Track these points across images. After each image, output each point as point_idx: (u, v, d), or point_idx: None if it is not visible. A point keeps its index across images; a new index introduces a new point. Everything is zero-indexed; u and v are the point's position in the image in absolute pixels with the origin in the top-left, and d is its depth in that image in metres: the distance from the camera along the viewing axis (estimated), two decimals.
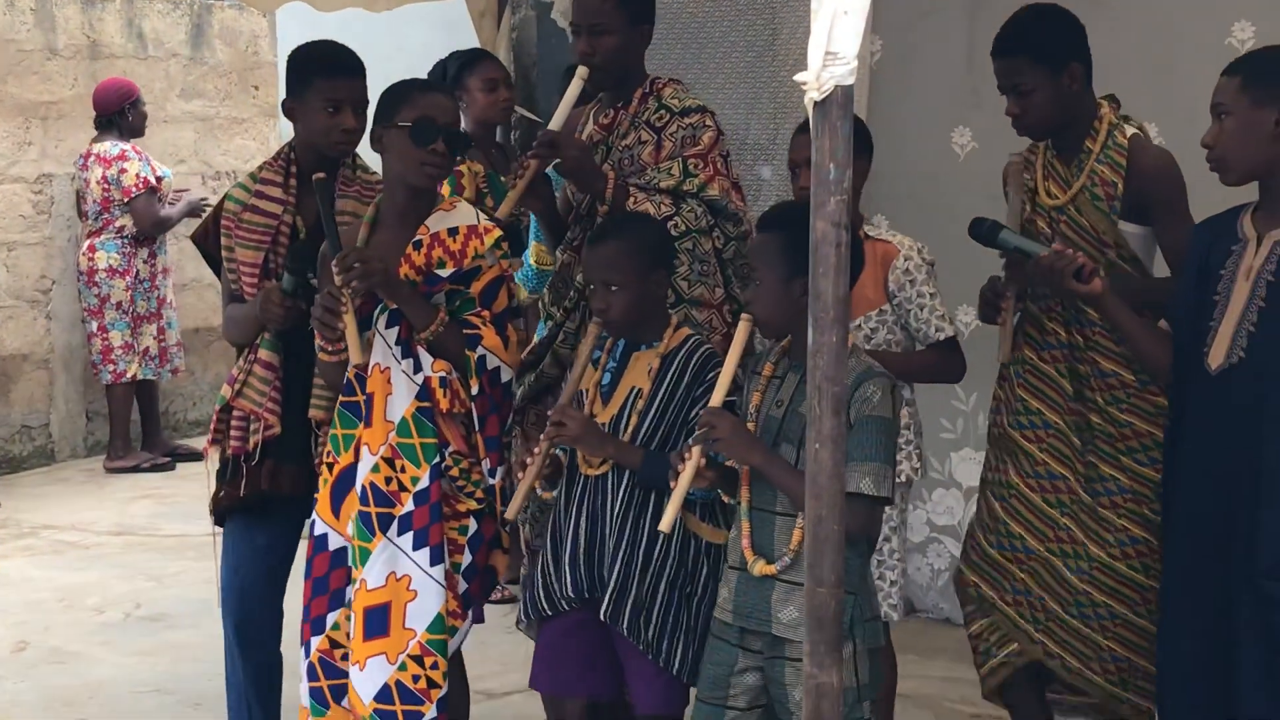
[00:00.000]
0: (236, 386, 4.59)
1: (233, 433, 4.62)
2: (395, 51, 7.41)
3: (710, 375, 4.02)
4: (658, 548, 4.04)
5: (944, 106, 6.34)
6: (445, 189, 5.99)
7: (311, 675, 4.33)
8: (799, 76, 2.56)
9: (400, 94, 4.27)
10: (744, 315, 3.77)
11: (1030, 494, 4.40)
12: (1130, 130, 4.35)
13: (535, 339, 4.79)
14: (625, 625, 4.01)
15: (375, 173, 4.63)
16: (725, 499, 3.84)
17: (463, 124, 4.76)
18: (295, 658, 4.45)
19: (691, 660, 4.01)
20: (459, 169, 6.03)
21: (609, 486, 4.10)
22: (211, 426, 4.69)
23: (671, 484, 3.68)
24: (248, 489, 4.59)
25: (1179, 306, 4.08)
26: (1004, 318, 4.35)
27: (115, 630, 6.66)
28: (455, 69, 6.53)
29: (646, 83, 4.80)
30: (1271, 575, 3.81)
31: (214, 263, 4.81)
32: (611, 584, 4.03)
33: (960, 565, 4.60)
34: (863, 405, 3.67)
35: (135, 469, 9.63)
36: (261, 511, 4.65)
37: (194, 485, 4.74)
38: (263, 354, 4.55)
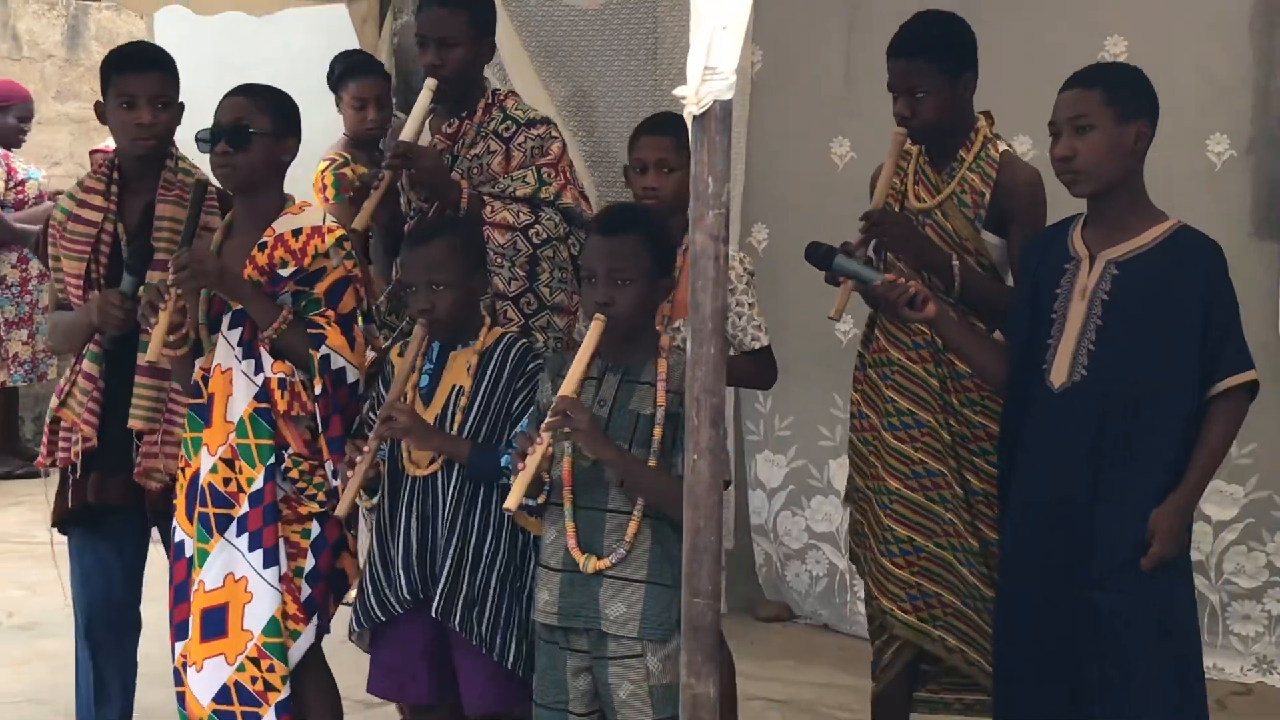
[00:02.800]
0: (61, 397, 4.55)
1: (60, 444, 4.59)
2: (277, 55, 7.33)
3: (530, 366, 4.10)
4: (488, 543, 4.08)
5: (823, 117, 6.40)
6: (329, 191, 6.01)
7: (177, 680, 4.32)
8: (678, 91, 2.58)
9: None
10: (598, 315, 3.78)
11: (911, 494, 4.47)
12: (1003, 146, 4.46)
13: None
14: (457, 620, 4.03)
15: (198, 172, 4.60)
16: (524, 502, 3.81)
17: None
18: (158, 668, 4.45)
19: (526, 655, 4.04)
20: (343, 171, 6.03)
21: (438, 486, 4.11)
22: (44, 439, 4.66)
23: (520, 465, 3.68)
24: (75, 500, 4.56)
25: (1014, 320, 4.15)
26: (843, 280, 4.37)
27: None
28: (337, 74, 6.49)
29: (489, 93, 4.89)
30: (1103, 587, 3.88)
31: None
32: (443, 580, 4.05)
33: (861, 575, 4.66)
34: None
35: (8, 475, 9.48)
36: (98, 522, 4.62)
37: None
38: (85, 365, 4.51)
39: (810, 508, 6.55)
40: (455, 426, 4.10)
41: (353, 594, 4.35)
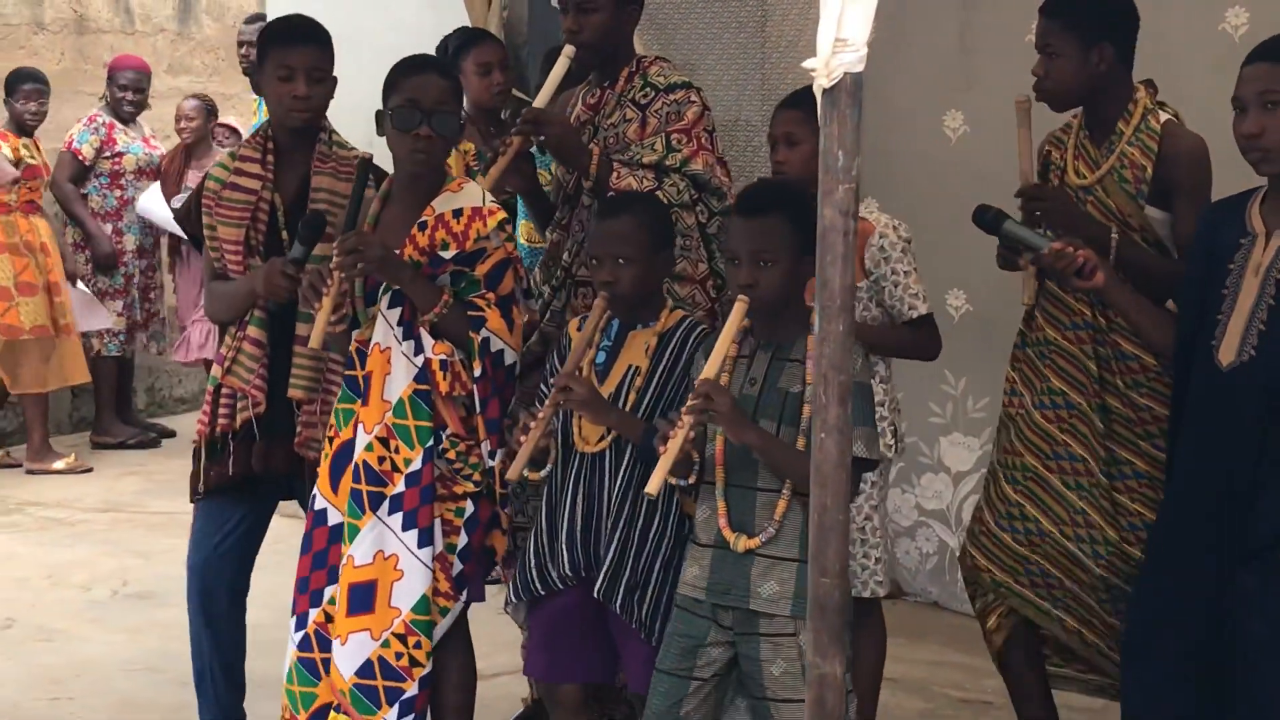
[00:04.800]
0: (226, 364, 4.59)
1: (221, 411, 4.61)
2: (385, 28, 7.35)
3: (706, 338, 4.06)
4: (654, 527, 4.06)
5: (936, 90, 6.34)
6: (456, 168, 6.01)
7: (305, 646, 4.34)
8: (808, 63, 2.55)
9: (392, 76, 4.27)
10: (741, 296, 3.77)
11: (1049, 475, 4.41)
12: (1165, 116, 4.36)
13: None
14: (619, 603, 4.03)
15: (353, 148, 4.63)
16: (672, 480, 3.82)
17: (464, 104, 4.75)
18: (268, 636, 4.44)
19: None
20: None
21: (607, 464, 4.11)
22: (204, 406, 4.69)
23: (660, 449, 3.68)
24: (237, 468, 4.59)
25: (1187, 289, 4.07)
26: (1024, 260, 4.33)
27: (103, 608, 6.64)
28: (453, 49, 6.50)
29: (633, 61, 4.80)
30: (1252, 567, 3.81)
31: (198, 242, 4.80)
32: (607, 562, 4.04)
33: (969, 550, 4.59)
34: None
35: (121, 445, 9.61)
36: (241, 490, 4.65)
37: (180, 462, 4.75)
38: (251, 331, 4.54)
39: (920, 485, 6.51)
40: (629, 406, 4.09)
41: (498, 570, 4.36)
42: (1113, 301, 4.18)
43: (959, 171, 6.07)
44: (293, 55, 4.53)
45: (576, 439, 4.14)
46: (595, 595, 4.05)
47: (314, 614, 4.32)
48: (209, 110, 9.51)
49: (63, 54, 10.01)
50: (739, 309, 3.75)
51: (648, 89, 4.73)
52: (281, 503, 4.94)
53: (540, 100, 4.65)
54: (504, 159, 4.57)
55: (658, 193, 4.55)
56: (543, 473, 4.17)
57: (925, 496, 6.51)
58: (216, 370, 4.63)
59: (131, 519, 8.08)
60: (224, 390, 4.60)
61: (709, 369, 3.72)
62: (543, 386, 4.23)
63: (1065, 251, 4.09)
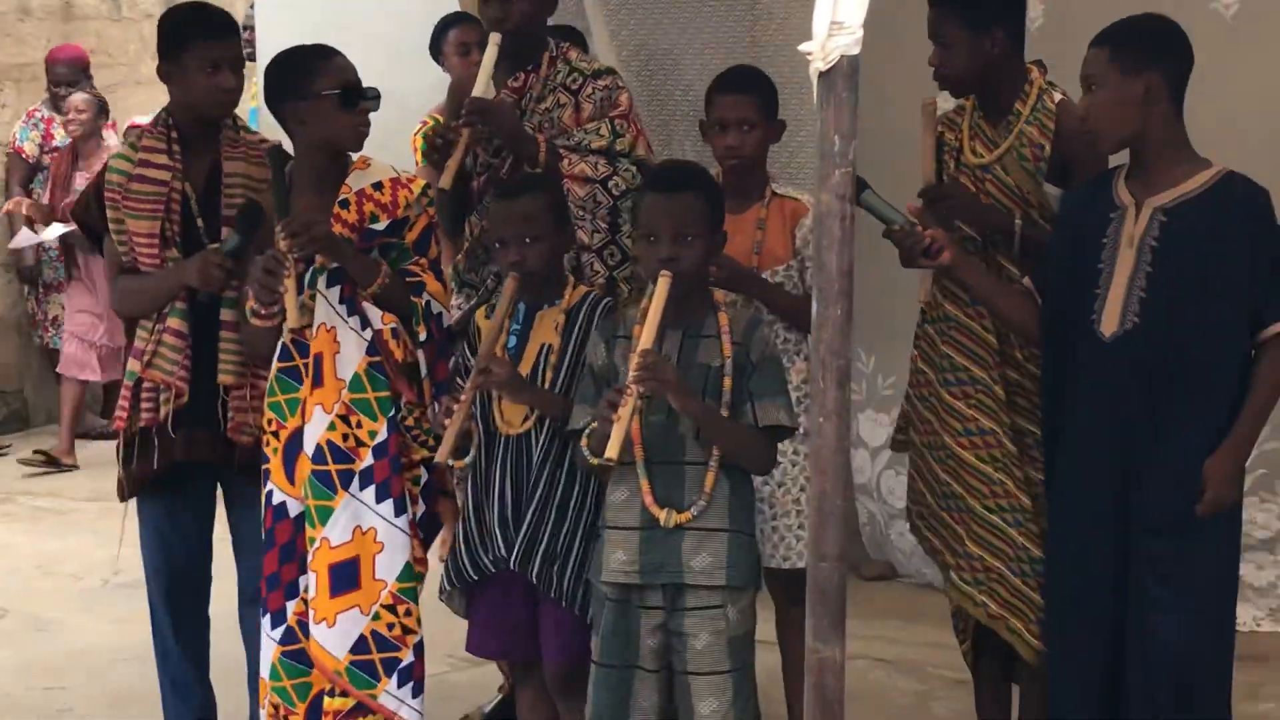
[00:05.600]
0: (145, 359, 4.54)
1: (143, 405, 4.58)
2: (374, 13, 7.32)
3: (600, 321, 4.13)
4: (573, 499, 4.12)
5: (928, 70, 6.30)
6: (418, 155, 6.00)
7: (289, 639, 4.35)
8: (803, 47, 2.54)
9: (303, 65, 4.34)
10: (664, 272, 3.81)
11: (963, 452, 4.47)
12: (1058, 95, 4.44)
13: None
14: (536, 573, 4.08)
15: (257, 133, 4.69)
16: (593, 460, 3.86)
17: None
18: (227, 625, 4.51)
19: (593, 611, 4.05)
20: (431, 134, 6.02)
21: (531, 444, 4.14)
22: (122, 402, 4.63)
23: (614, 417, 3.69)
24: (162, 460, 4.57)
25: (1051, 270, 4.16)
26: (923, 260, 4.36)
27: (95, 597, 6.64)
28: (435, 33, 6.48)
29: (553, 46, 4.86)
30: (1153, 532, 3.94)
31: (94, 236, 4.75)
32: (522, 533, 4.09)
33: (921, 529, 4.66)
34: (764, 347, 3.88)
35: (102, 435, 9.58)
36: (175, 483, 4.65)
37: None
38: (173, 322, 4.51)
39: None
40: (545, 384, 4.14)
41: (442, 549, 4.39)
42: (962, 280, 4.26)
43: None
44: (218, 47, 4.56)
45: (499, 423, 4.17)
46: (511, 567, 4.10)
47: (292, 606, 4.34)
48: (101, 107, 9.30)
49: (48, 41, 9.98)
50: (664, 284, 3.79)
51: (575, 74, 4.81)
52: None
53: (478, 89, 4.70)
54: (458, 150, 4.62)
55: (615, 178, 4.60)
56: (467, 459, 4.20)
57: None
58: (133, 364, 4.59)
59: (120, 507, 8.02)
60: (145, 384, 4.56)
61: (643, 342, 3.75)
62: (457, 379, 4.25)
63: (913, 231, 4.16)
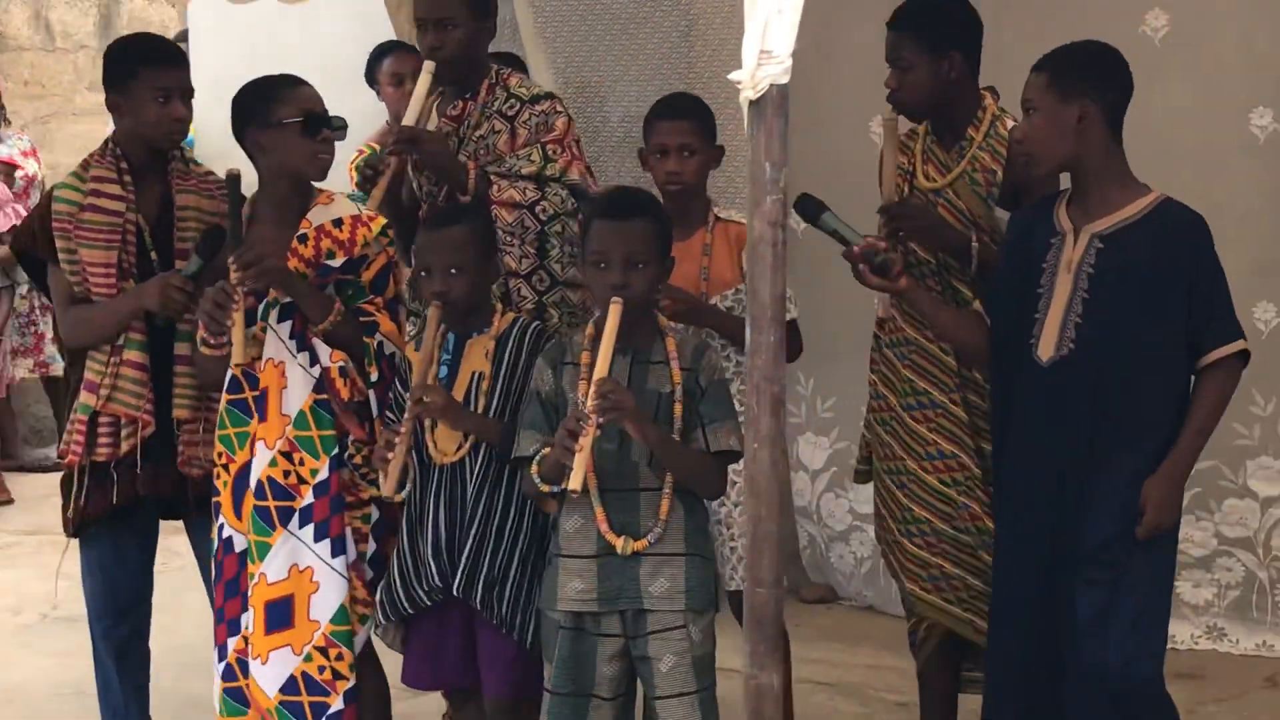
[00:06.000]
0: (103, 393, 4.50)
1: (100, 439, 4.53)
2: (309, 41, 7.31)
3: (547, 347, 4.11)
4: (509, 524, 4.10)
5: (862, 95, 6.34)
6: (352, 183, 6.00)
7: (229, 676, 4.33)
8: (733, 76, 2.56)
9: (268, 93, 4.33)
10: (614, 299, 3.79)
11: (926, 476, 4.49)
12: (1010, 122, 4.45)
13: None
14: (478, 599, 4.05)
15: (204, 166, 4.67)
16: (546, 488, 3.86)
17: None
18: (198, 657, 4.46)
19: (544, 640, 4.03)
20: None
21: (466, 471, 4.13)
22: (76, 436, 4.56)
23: (575, 447, 3.67)
24: (121, 496, 4.53)
25: (997, 294, 4.18)
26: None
27: (32, 632, 6.57)
28: (369, 61, 6.47)
29: (492, 73, 4.87)
30: (1091, 556, 3.94)
31: (36, 266, 4.69)
32: (463, 558, 4.07)
33: (888, 558, 4.65)
34: (711, 372, 3.89)
35: (38, 468, 9.49)
36: (122, 515, 4.61)
37: None
38: (131, 355, 4.49)
39: (853, 489, 6.51)
40: (480, 411, 4.12)
41: None
42: (914, 303, 4.27)
43: None
44: (168, 76, 4.55)
45: (432, 452, 4.15)
46: (454, 593, 4.07)
47: (233, 643, 4.32)
48: None
49: None
50: (615, 310, 3.78)
51: (512, 100, 4.81)
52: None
53: (409, 118, 4.70)
54: (384, 179, 4.62)
55: (543, 203, 4.61)
56: (403, 493, 4.17)
57: (859, 501, 6.53)
58: (87, 397, 4.52)
59: (58, 541, 7.94)
60: (102, 418, 4.52)
61: (599, 369, 3.74)
62: (388, 413, 4.24)
63: (877, 247, 4.14)
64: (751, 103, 2.58)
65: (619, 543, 3.82)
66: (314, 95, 4.34)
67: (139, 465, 4.51)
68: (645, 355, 3.91)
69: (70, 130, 10.18)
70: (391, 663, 4.43)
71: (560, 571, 3.91)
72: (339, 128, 4.33)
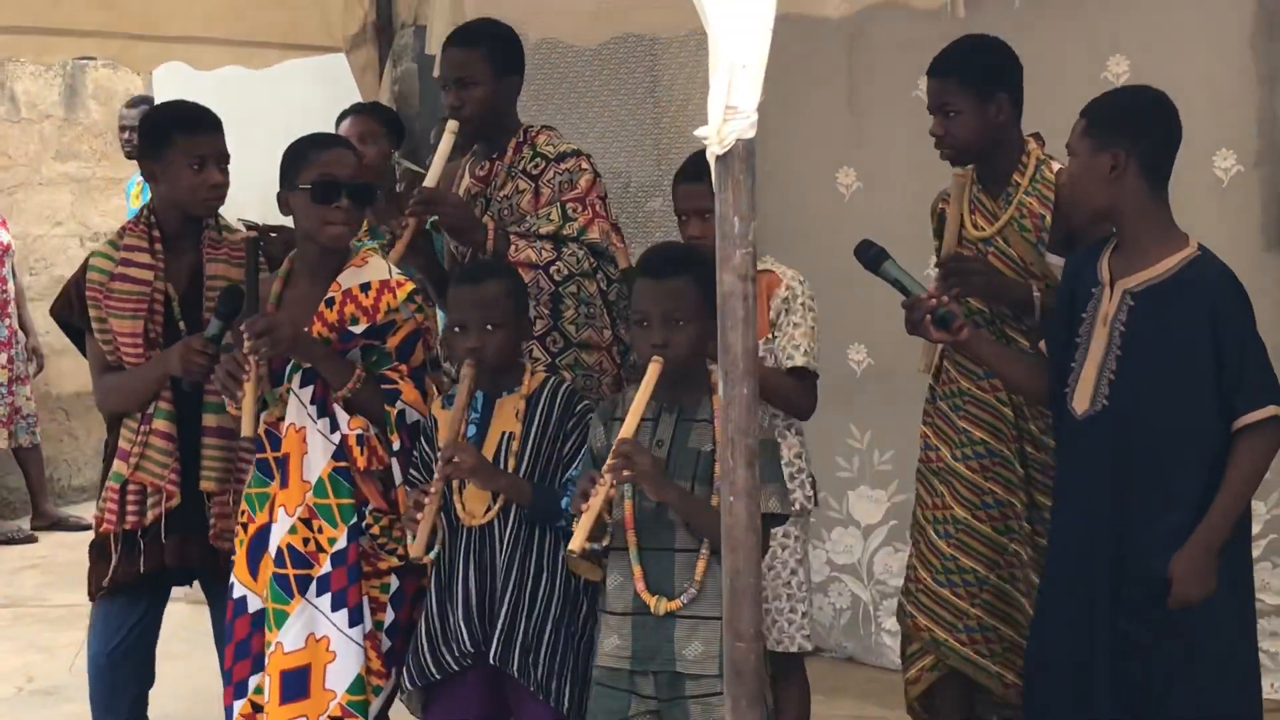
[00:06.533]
0: (133, 461, 4.50)
1: (130, 508, 4.53)
2: (276, 107, 7.31)
3: (579, 407, 4.10)
4: (543, 587, 4.05)
5: (828, 148, 6.39)
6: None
7: None
8: (699, 131, 2.57)
9: (299, 155, 4.28)
10: (655, 357, 3.76)
11: (979, 525, 4.46)
12: (1056, 166, 4.42)
13: None
14: (515, 666, 4.00)
15: (239, 232, 4.61)
16: (587, 546, 3.77)
17: None
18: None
19: (578, 702, 4.00)
20: None
21: (495, 533, 4.09)
22: (109, 504, 4.56)
23: (583, 507, 3.66)
24: (149, 564, 4.52)
25: (1054, 336, 4.16)
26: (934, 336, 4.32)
27: (7, 706, 6.51)
28: (336, 124, 6.47)
29: (520, 132, 4.85)
30: (1131, 618, 3.89)
31: (75, 333, 4.71)
32: (499, 626, 4.02)
33: (907, 609, 4.60)
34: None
35: (9, 540, 9.43)
36: (144, 585, 4.59)
37: (81, 554, 4.67)
38: (160, 424, 4.48)
39: (831, 540, 6.51)
40: (509, 472, 4.07)
41: None
42: (976, 354, 4.24)
43: (854, 227, 6.03)
44: (204, 143, 4.53)
45: (461, 514, 4.11)
46: (491, 660, 4.02)
47: (239, 706, 4.28)
48: None
49: None
50: (654, 369, 3.75)
51: (538, 159, 4.76)
52: (186, 589, 4.88)
53: (431, 178, 4.67)
54: (401, 241, 4.60)
55: (558, 263, 4.57)
56: (432, 554, 4.13)
57: (836, 551, 6.51)
58: (119, 465, 4.54)
59: (33, 613, 7.93)
60: (131, 486, 4.52)
61: (626, 429, 3.72)
62: (413, 472, 4.21)
63: (940, 301, 4.11)
64: (718, 158, 2.59)
65: (653, 601, 3.77)
66: (338, 159, 4.25)
67: (164, 535, 4.49)
68: (691, 412, 3.86)
69: (37, 200, 10.17)
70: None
71: (602, 627, 3.88)
72: (358, 196, 4.22)
